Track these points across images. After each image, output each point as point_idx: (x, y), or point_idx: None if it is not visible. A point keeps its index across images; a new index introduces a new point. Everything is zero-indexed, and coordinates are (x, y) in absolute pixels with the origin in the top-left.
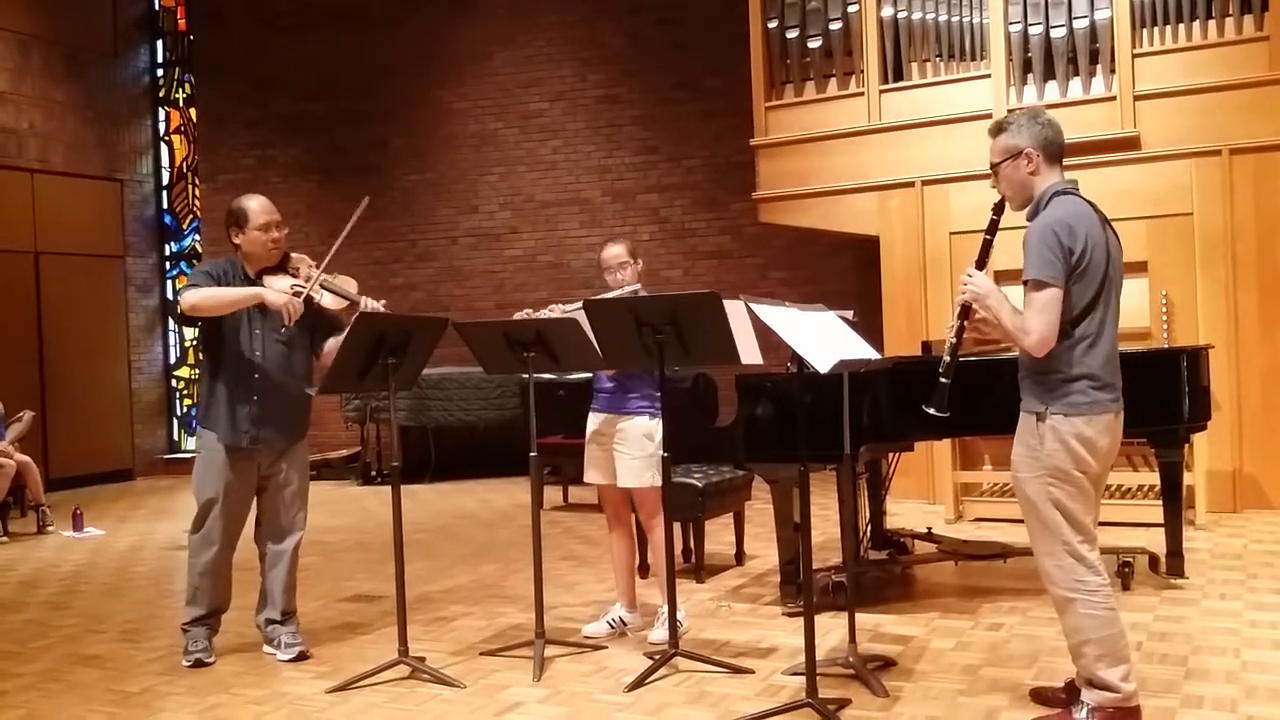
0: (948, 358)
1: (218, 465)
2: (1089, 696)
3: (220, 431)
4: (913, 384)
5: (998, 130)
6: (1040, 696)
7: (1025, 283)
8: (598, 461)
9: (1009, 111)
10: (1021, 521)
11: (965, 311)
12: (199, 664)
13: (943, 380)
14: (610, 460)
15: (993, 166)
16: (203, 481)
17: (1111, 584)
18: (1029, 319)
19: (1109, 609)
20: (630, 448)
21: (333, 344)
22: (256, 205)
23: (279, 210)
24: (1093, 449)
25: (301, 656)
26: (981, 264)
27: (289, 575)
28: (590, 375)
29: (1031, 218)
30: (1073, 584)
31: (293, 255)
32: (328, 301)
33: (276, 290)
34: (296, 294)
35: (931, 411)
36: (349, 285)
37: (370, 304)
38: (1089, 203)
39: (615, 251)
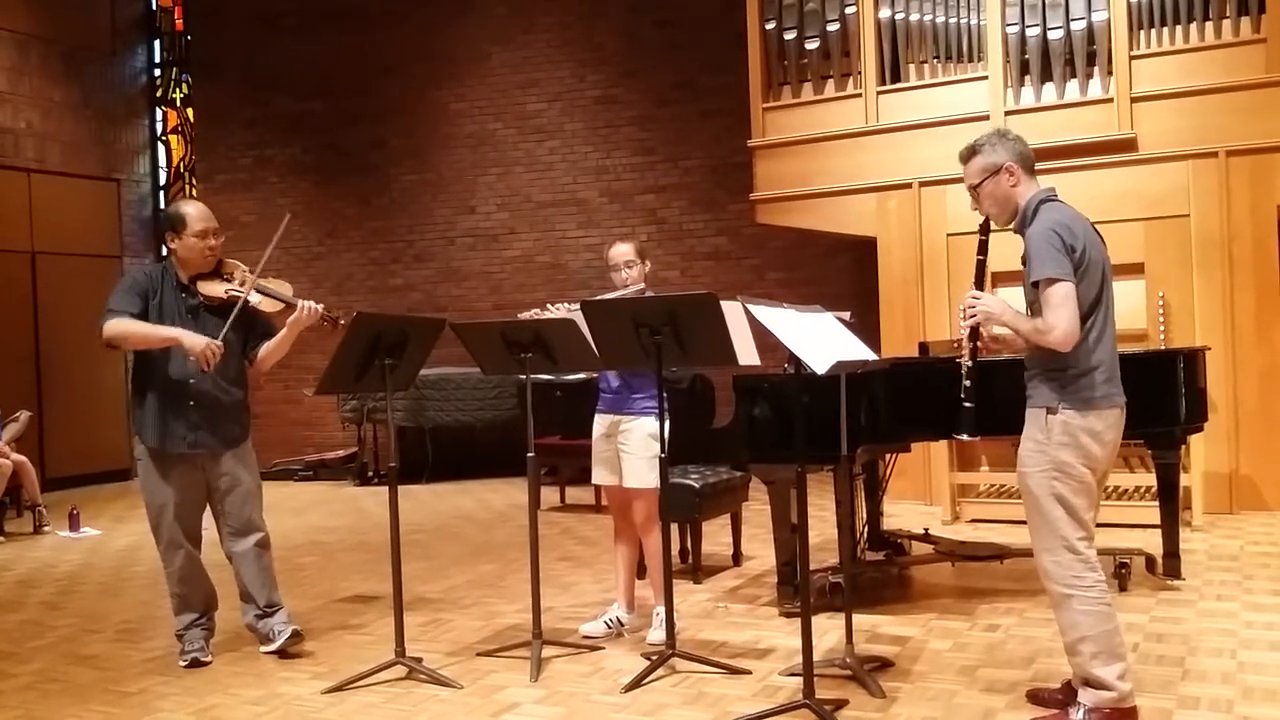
0: (967, 382)
1: (159, 475)
2: (1085, 697)
3: (157, 441)
4: (910, 385)
5: (970, 153)
6: (1037, 698)
7: (1035, 284)
8: (605, 462)
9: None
10: (1019, 523)
11: (974, 333)
12: (196, 663)
13: (966, 405)
14: (617, 461)
15: (972, 189)
16: (151, 492)
17: (1108, 585)
18: (1050, 316)
19: (1105, 605)
20: (635, 448)
21: (267, 348)
22: (194, 211)
23: (277, 209)
24: (1101, 443)
25: (296, 635)
26: (979, 285)
27: (261, 571)
28: (587, 376)
29: (1020, 228)
30: (1070, 580)
31: (226, 260)
32: (262, 304)
33: (192, 337)
34: (221, 305)
35: (964, 437)
36: (284, 289)
37: (306, 304)
38: (1071, 208)
39: (622, 250)
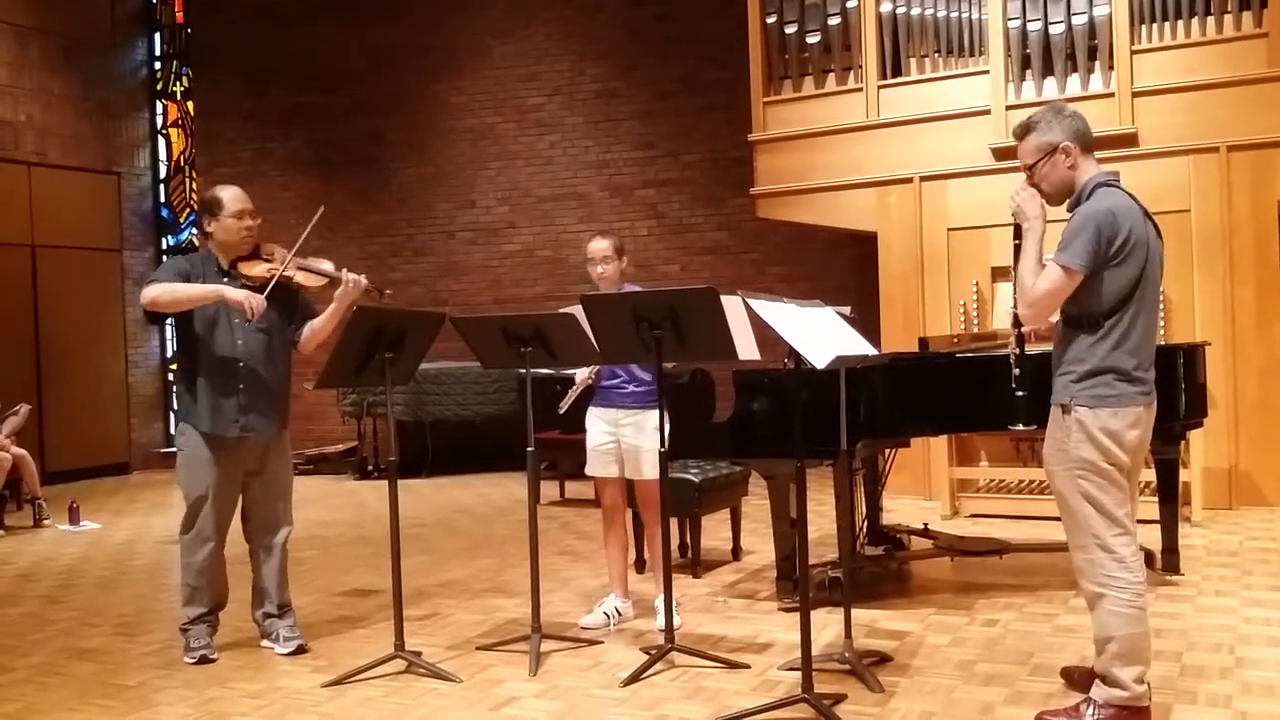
0: (1017, 370)
1: (204, 461)
2: (1098, 693)
3: (208, 425)
4: (910, 380)
5: (1025, 131)
6: (1069, 675)
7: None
8: (614, 455)
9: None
10: (1018, 518)
11: (1017, 321)
12: (204, 660)
13: (1019, 395)
14: (619, 453)
15: (1028, 169)
16: (191, 480)
17: (1145, 585)
18: (1038, 285)
19: (1137, 608)
20: (647, 441)
21: (311, 327)
22: (229, 194)
23: (277, 203)
24: (1120, 441)
25: (300, 650)
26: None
27: (282, 569)
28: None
29: (1073, 209)
30: (1102, 579)
31: (264, 244)
32: (306, 280)
33: (235, 288)
34: (264, 284)
35: (1020, 428)
36: (325, 264)
37: (350, 276)
38: (1131, 196)
39: (600, 245)
